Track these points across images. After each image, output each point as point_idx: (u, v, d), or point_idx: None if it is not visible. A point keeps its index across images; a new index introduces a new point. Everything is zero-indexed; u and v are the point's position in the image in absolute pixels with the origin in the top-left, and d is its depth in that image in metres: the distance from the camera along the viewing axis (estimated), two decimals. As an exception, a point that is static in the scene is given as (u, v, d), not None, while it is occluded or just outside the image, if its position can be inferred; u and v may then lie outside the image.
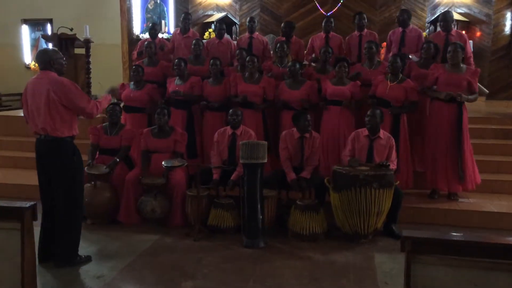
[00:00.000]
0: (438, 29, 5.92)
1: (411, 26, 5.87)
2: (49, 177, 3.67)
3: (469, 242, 2.10)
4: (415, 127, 5.27)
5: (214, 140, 4.88)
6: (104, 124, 5.07)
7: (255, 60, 5.30)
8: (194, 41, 5.90)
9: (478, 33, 10.18)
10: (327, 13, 10.48)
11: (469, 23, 10.35)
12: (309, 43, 6.23)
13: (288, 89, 5.20)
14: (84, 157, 4.74)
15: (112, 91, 4.13)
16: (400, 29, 5.79)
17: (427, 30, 10.25)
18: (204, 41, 6.46)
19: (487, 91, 6.29)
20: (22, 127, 6.94)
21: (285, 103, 5.19)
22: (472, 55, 5.61)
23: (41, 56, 3.64)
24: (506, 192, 5.30)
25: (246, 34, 6.36)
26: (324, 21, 6.10)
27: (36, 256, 3.62)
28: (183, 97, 5.36)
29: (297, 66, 5.22)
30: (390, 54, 5.65)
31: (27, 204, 2.54)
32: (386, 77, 5.06)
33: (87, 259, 3.83)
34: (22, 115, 7.71)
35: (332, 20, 6.13)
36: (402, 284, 2.18)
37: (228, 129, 4.83)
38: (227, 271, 3.67)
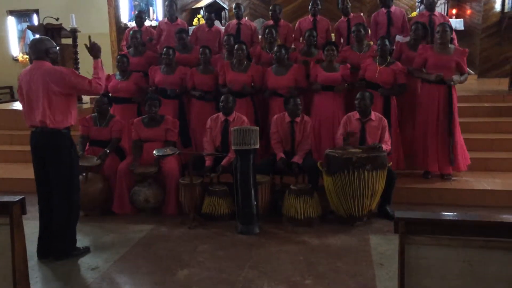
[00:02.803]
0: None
1: (393, 6, 5.86)
2: (46, 170, 3.60)
3: (462, 221, 2.09)
4: (406, 110, 5.25)
5: (206, 127, 4.84)
6: (93, 114, 5.01)
7: (244, 47, 5.23)
8: (177, 34, 5.76)
9: (469, 11, 10.11)
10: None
11: (459, 1, 10.27)
12: (296, 26, 6.17)
13: (275, 76, 5.14)
14: (75, 149, 4.72)
15: (94, 48, 3.73)
16: (384, 9, 5.77)
17: (418, 9, 10.17)
18: (192, 27, 6.34)
19: (472, 72, 6.31)
20: (12, 121, 6.89)
21: (272, 92, 5.13)
22: (455, 36, 5.58)
23: (36, 45, 3.53)
24: (499, 169, 5.31)
25: (234, 21, 6.29)
26: (310, 4, 6.04)
27: (36, 251, 3.64)
28: (179, 92, 5.33)
29: (283, 51, 5.15)
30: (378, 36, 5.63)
31: (16, 198, 2.50)
32: (374, 60, 5.03)
33: (86, 250, 3.82)
34: (11, 108, 7.62)
35: (318, 2, 6.06)
36: (397, 265, 2.17)
37: (221, 116, 4.79)
38: (223, 258, 3.66)
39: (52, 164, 3.57)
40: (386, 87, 4.95)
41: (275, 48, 5.26)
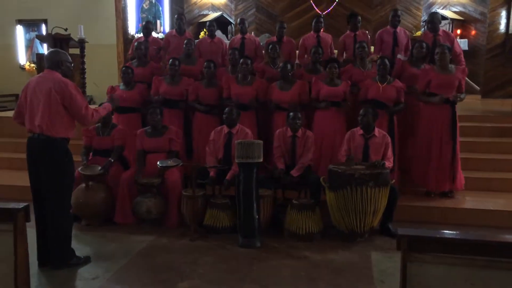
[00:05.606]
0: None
1: (399, 27, 5.93)
2: (39, 177, 3.61)
3: (465, 240, 2.09)
4: (407, 129, 5.27)
5: (210, 139, 4.86)
6: (96, 125, 5.04)
7: (249, 62, 5.28)
8: (186, 41, 5.89)
9: (473, 32, 10.19)
10: (322, 12, 10.47)
11: (464, 21, 10.36)
12: (300, 43, 6.20)
13: (279, 90, 5.19)
14: (78, 158, 4.73)
15: (112, 101, 4.22)
16: (392, 29, 5.83)
17: (422, 29, 10.27)
18: (196, 40, 6.42)
19: (478, 88, 6.39)
20: (17, 128, 6.88)
21: (277, 105, 5.17)
22: (462, 52, 5.67)
23: (52, 56, 3.67)
24: (503, 190, 5.30)
25: (238, 35, 6.36)
26: (314, 21, 6.09)
27: (36, 259, 3.63)
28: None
29: (288, 67, 5.20)
30: (380, 54, 5.69)
31: (20, 205, 2.52)
32: (374, 79, 5.07)
33: (86, 260, 3.81)
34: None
35: (322, 19, 6.12)
36: (398, 282, 2.17)
37: (225, 128, 4.81)
38: (224, 271, 3.65)
39: (44, 171, 3.58)
40: (389, 104, 4.98)
41: (281, 64, 5.31)
